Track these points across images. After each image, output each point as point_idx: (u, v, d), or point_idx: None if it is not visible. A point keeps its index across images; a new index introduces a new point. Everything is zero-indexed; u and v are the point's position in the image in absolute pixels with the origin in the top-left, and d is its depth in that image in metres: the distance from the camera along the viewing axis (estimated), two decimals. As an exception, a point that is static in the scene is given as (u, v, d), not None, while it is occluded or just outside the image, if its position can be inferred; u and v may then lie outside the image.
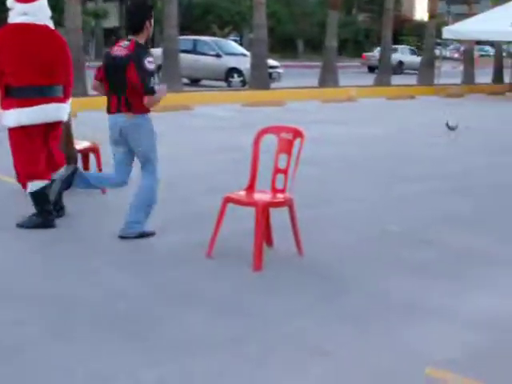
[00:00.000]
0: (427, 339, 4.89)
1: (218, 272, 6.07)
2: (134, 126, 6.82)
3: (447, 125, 15.59)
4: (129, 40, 6.75)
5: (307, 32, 55.43)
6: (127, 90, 6.68)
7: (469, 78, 32.65)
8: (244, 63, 25.73)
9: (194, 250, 6.59)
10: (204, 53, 27.20)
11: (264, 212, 6.20)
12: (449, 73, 37.68)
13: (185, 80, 25.14)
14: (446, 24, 39.08)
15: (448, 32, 28.14)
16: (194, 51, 27.23)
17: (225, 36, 44.94)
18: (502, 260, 6.82)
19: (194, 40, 28.49)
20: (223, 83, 26.75)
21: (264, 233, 6.32)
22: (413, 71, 38.51)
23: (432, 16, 31.28)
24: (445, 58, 44.75)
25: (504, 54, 40.97)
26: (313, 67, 35.79)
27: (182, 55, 22.35)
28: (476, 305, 5.58)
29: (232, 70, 26.57)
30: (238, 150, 11.66)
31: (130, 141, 6.90)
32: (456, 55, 60.50)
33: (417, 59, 40.56)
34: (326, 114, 19.42)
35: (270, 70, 24.68)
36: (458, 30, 27.84)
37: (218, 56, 26.89)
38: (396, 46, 46.85)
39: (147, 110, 6.85)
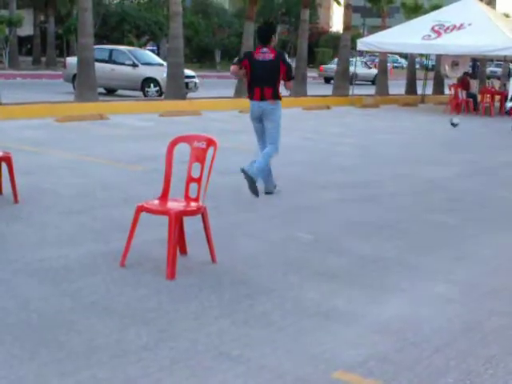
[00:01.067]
0: (336, 344, 4.99)
1: (131, 281, 6.06)
2: (273, 109, 9.79)
3: (451, 122, 21.16)
4: (265, 47, 9.70)
5: (224, 42, 55.64)
6: (275, 83, 9.74)
7: (383, 88, 33.25)
8: (160, 73, 25.67)
9: (107, 260, 6.57)
10: (120, 62, 27.01)
11: (177, 220, 6.22)
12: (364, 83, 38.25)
13: (101, 89, 24.95)
14: (362, 36, 39.76)
15: (362, 44, 28.63)
16: (109, 60, 27.02)
17: (142, 46, 44.79)
18: (411, 267, 6.99)
19: (110, 49, 28.24)
20: (140, 93, 26.62)
21: (177, 241, 6.34)
22: (366, 82, 39.13)
23: (347, 28, 31.74)
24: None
25: (417, 66, 41.87)
26: (230, 77, 35.90)
27: (98, 64, 22.13)
28: (385, 310, 5.72)
29: (148, 80, 26.46)
30: (154, 159, 11.67)
31: (265, 119, 9.86)
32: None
33: (369, 71, 41.55)
34: (242, 123, 19.49)
35: (187, 80, 24.67)
36: (372, 41, 28.35)
37: (134, 66, 26.74)
38: (350, 59, 48.09)
39: (279, 98, 9.81)
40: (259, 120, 9.92)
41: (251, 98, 9.87)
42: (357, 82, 44.38)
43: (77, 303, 5.48)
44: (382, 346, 4.99)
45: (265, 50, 9.69)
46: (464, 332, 5.36)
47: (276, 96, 9.75)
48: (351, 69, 30.99)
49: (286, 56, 9.96)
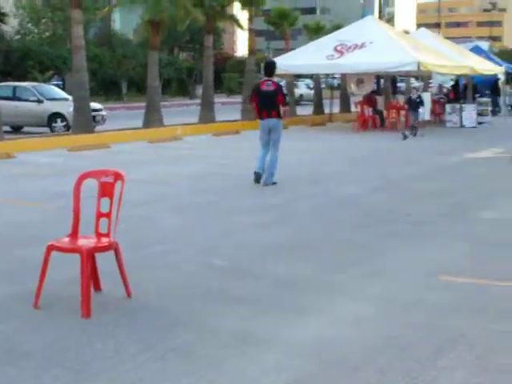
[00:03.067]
0: (258, 370, 4.98)
1: (45, 323, 5.94)
2: (277, 124, 13.54)
3: (403, 134, 23.64)
4: (269, 81, 13.53)
5: (130, 73, 55.36)
6: (277, 106, 13.37)
7: (290, 110, 33.48)
8: (67, 107, 25.37)
9: (19, 302, 6.43)
10: (24, 99, 26.60)
11: (88, 257, 6.13)
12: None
13: (6, 128, 24.52)
14: (266, 59, 40.04)
15: (267, 67, 28.80)
16: (14, 97, 26.58)
17: (46, 81, 44.14)
18: (326, 287, 7.04)
19: (14, 86, 27.83)
20: (47, 129, 26.24)
21: (90, 278, 6.25)
22: (310, 102, 39.13)
23: (251, 52, 32.00)
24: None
25: (323, 86, 42.43)
26: (138, 108, 35.76)
27: (2, 102, 21.77)
28: (303, 333, 5.74)
29: (55, 115, 26.09)
30: (64, 196, 11.47)
31: (273, 132, 13.57)
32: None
33: (311, 92, 41.89)
34: (152, 154, 19.45)
35: (94, 113, 24.45)
36: (277, 64, 28.55)
37: (39, 101, 26.35)
38: (295, 82, 48.61)
39: (281, 117, 13.57)
40: (267, 133, 13.64)
41: (261, 117, 13.66)
42: (302, 103, 45.14)
43: (-11, 350, 5.33)
44: (302, 369, 5.00)
45: (269, 82, 13.51)
46: (382, 348, 5.41)
47: (279, 115, 13.46)
48: (296, 91, 31.04)
49: (283, 87, 14.77)
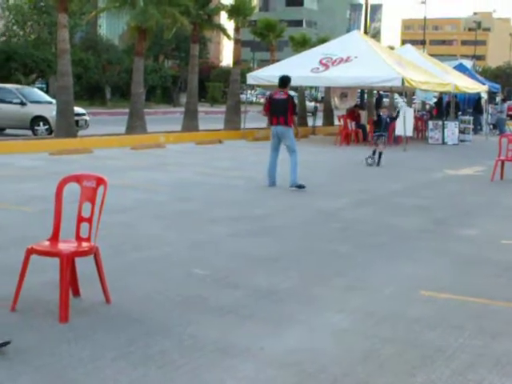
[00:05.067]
0: (236, 380, 4.96)
1: (23, 326, 5.88)
2: (286, 131, 14.63)
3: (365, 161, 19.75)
4: (282, 91, 14.78)
5: (114, 79, 55.31)
6: (286, 114, 14.47)
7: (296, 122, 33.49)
8: (50, 111, 25.26)
9: (-3, 305, 6.38)
10: (7, 101, 26.45)
11: (68, 262, 6.10)
12: (255, 117, 38.60)
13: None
14: (252, 70, 40.16)
15: (251, 78, 28.89)
16: (-4, 99, 26.49)
17: (30, 83, 44.02)
18: (306, 298, 7.03)
19: (-4, 88, 27.71)
20: (29, 132, 26.12)
21: (70, 283, 6.21)
22: (308, 113, 38.47)
23: (237, 62, 32.03)
24: (252, 103, 45.98)
25: (307, 98, 42.54)
26: (121, 114, 35.69)
27: (-16, 104, 21.63)
28: (282, 343, 5.72)
29: (37, 118, 25.97)
30: (45, 199, 11.43)
31: (282, 139, 14.74)
32: (262, 100, 62.34)
33: (310, 104, 41.92)
34: (134, 160, 19.39)
35: (77, 118, 24.35)
36: (261, 75, 28.64)
37: (22, 104, 26.20)
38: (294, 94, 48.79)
39: (291, 125, 14.62)
40: (277, 138, 14.80)
41: (271, 123, 14.93)
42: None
43: (-35, 352, 5.28)
44: (280, 380, 4.98)
45: (281, 92, 14.77)
46: (361, 361, 5.40)
47: (287, 123, 14.50)
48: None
49: (295, 98, 16.57)
